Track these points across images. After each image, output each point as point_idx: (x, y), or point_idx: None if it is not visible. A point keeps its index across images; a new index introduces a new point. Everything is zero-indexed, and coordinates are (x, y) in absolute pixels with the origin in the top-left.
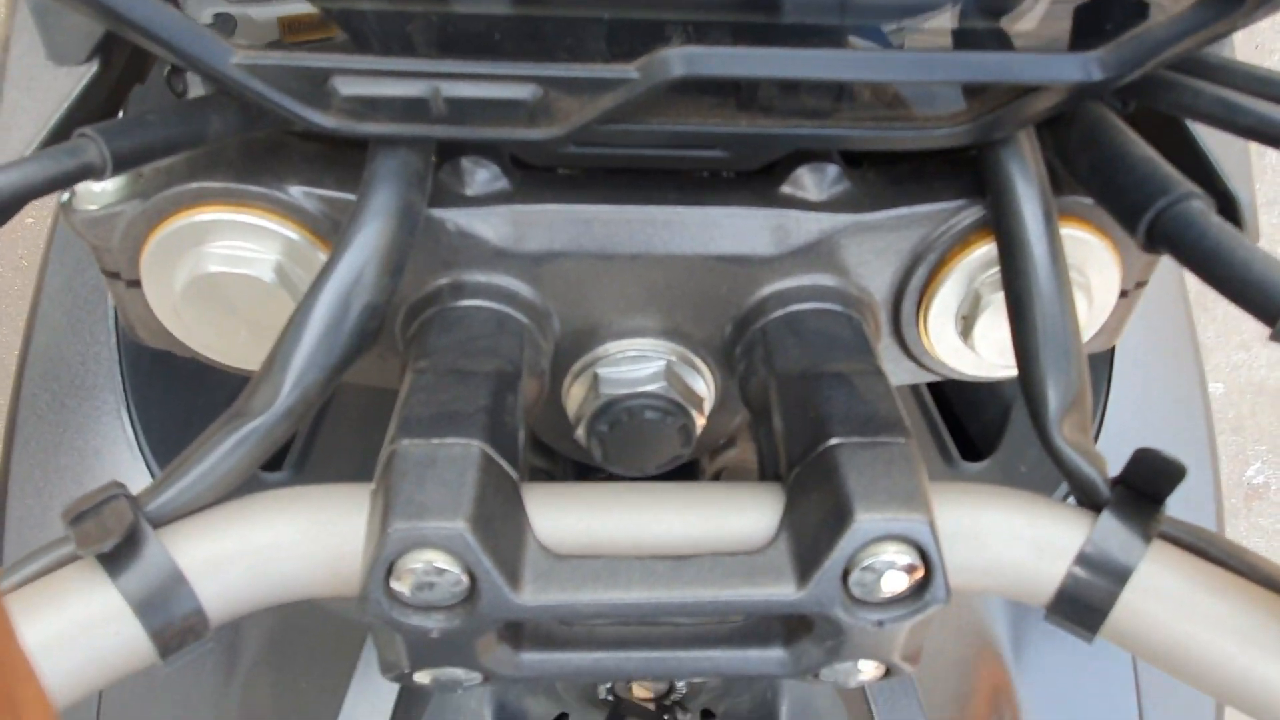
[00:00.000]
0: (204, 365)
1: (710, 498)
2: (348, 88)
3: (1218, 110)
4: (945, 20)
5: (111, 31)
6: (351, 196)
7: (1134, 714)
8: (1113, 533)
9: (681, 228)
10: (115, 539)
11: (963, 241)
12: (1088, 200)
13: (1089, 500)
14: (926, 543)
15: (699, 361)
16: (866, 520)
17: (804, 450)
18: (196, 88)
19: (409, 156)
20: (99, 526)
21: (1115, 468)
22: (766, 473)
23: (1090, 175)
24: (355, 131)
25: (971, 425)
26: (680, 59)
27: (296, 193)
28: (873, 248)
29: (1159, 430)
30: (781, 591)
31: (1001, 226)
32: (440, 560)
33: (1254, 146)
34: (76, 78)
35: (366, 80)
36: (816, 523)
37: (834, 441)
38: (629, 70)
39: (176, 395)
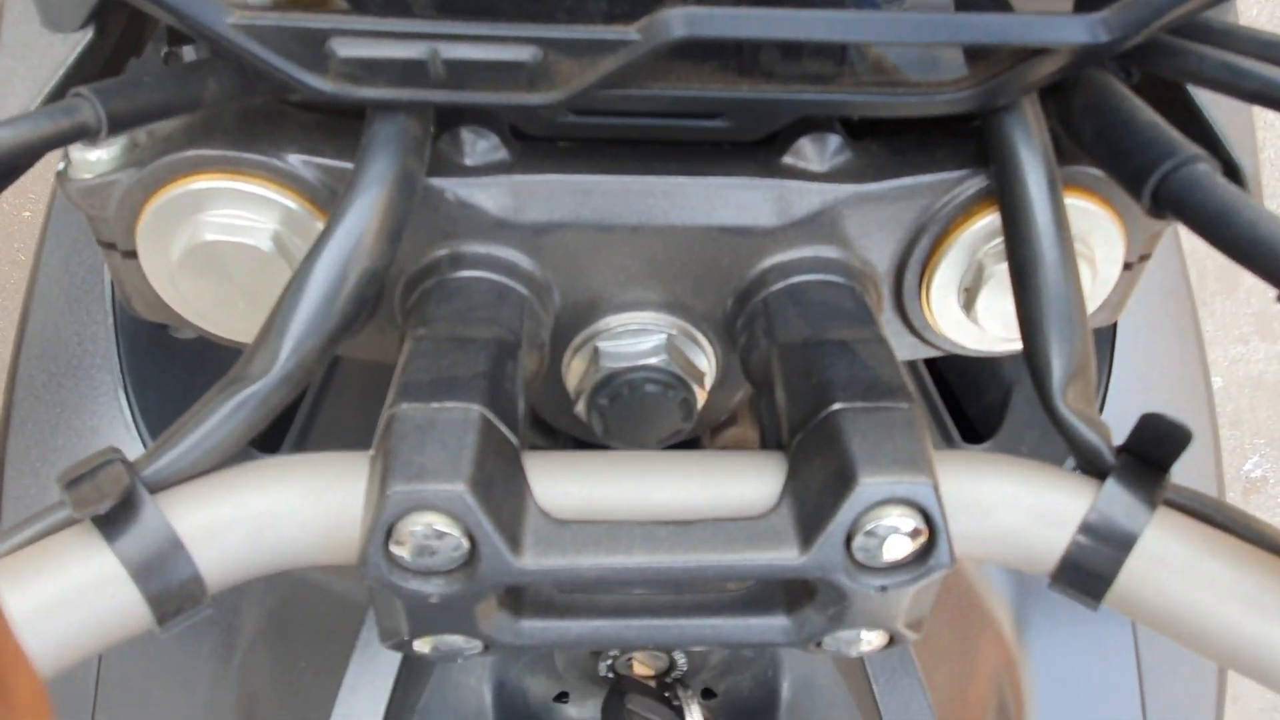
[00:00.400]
0: (201, 345)
1: (712, 465)
2: (346, 49)
3: (1223, 75)
4: None
5: None
6: (350, 165)
7: (1135, 693)
8: (1117, 499)
9: (682, 198)
10: (111, 501)
11: (966, 212)
12: (1093, 170)
13: (1093, 469)
14: (930, 506)
15: (700, 336)
16: (870, 483)
17: (806, 416)
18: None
19: (407, 123)
20: (95, 490)
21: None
22: (768, 444)
23: (1095, 142)
24: (353, 96)
25: (972, 408)
26: (681, 19)
27: (295, 161)
28: (875, 219)
29: (1161, 409)
30: (784, 556)
31: (1005, 194)
32: (440, 523)
33: (1257, 115)
34: (71, 45)
35: (365, 41)
36: (819, 487)
37: (836, 406)
38: (629, 32)
39: (174, 375)
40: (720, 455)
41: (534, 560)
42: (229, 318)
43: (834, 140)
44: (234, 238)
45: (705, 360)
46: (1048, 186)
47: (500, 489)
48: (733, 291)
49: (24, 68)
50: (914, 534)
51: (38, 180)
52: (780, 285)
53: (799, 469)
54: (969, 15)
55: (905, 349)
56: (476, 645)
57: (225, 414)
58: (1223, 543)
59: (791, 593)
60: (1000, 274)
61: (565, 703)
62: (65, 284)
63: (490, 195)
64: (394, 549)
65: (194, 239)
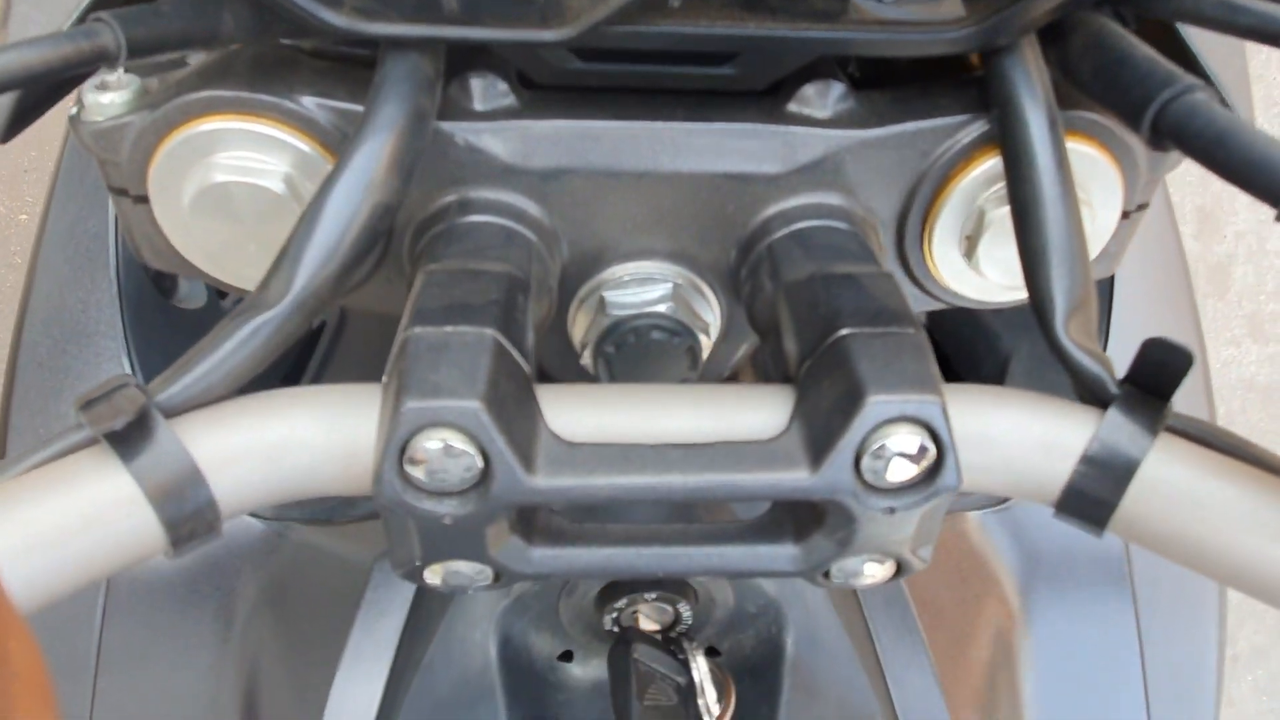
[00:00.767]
0: (205, 314)
1: (722, 395)
2: None
3: (1219, 12)
4: None
5: None
6: (362, 109)
7: (1137, 664)
8: (1120, 427)
9: (688, 145)
10: (127, 418)
11: (966, 158)
12: (1091, 115)
13: (1095, 399)
14: (938, 425)
15: (705, 286)
16: (878, 401)
17: (814, 344)
18: None
19: (420, 61)
20: (110, 409)
21: None
22: (776, 381)
23: (1094, 79)
24: (365, 31)
25: (969, 375)
26: None
27: (308, 103)
28: (878, 165)
29: None
30: (794, 477)
31: (1007, 133)
32: (454, 439)
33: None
34: None
35: None
36: (828, 409)
37: (844, 332)
38: None
39: (177, 342)
40: (729, 387)
41: (546, 480)
42: (239, 263)
43: (838, 87)
44: (246, 179)
45: (710, 311)
46: (1048, 125)
47: (513, 410)
48: (736, 241)
49: (39, 14)
50: (922, 454)
51: (36, 184)
52: (784, 231)
53: (807, 394)
54: None
55: None
56: (487, 575)
57: (239, 340)
58: (1225, 465)
59: (800, 520)
60: (1000, 220)
61: (570, 662)
62: (70, 251)
63: (499, 140)
64: (408, 468)
65: (206, 180)
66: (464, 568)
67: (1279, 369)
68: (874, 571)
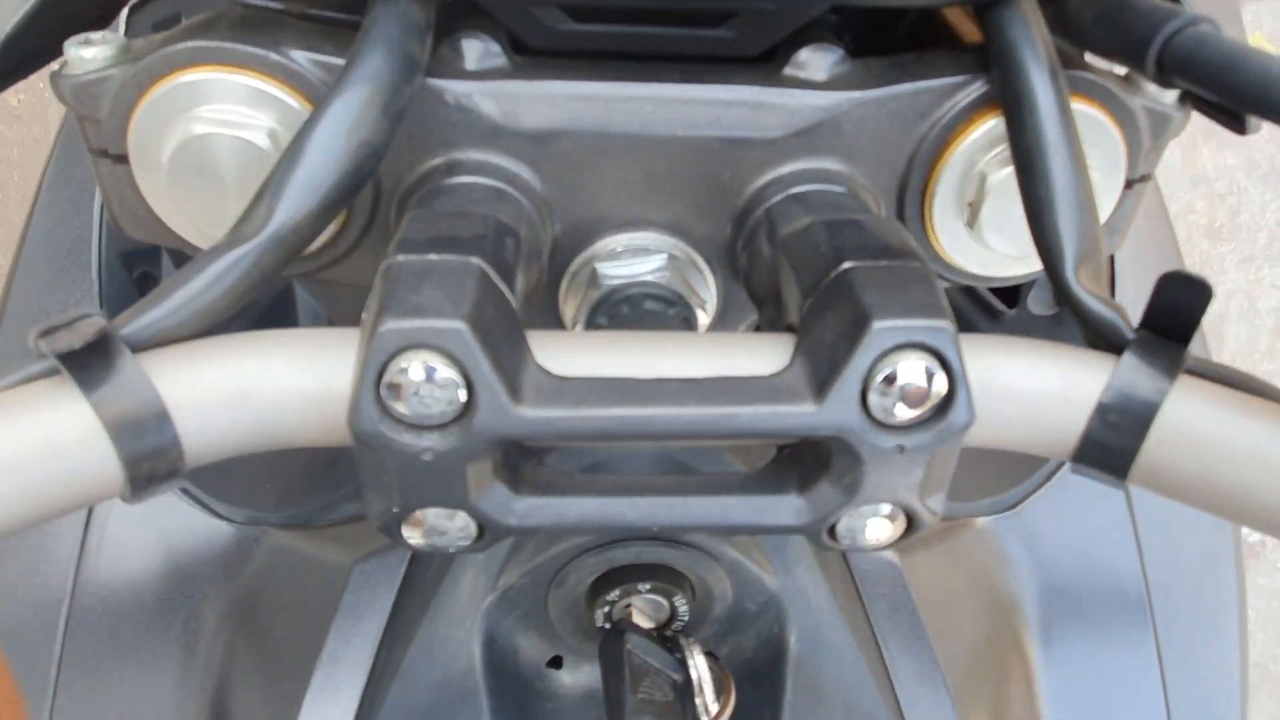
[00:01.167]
0: None
1: (720, 340)
2: None
3: None
4: None
5: None
6: None
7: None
8: (1136, 370)
9: (684, 107)
10: (85, 340)
11: (966, 119)
12: (1092, 76)
13: (1110, 347)
14: (948, 351)
15: (701, 261)
16: (884, 326)
17: (815, 283)
18: None
19: (410, 7)
20: (71, 335)
21: None
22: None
23: (1095, 26)
24: None
25: None
26: None
27: (297, 56)
28: (876, 128)
29: None
30: (797, 410)
31: (1006, 84)
32: (436, 362)
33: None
34: None
35: None
36: (831, 341)
37: (847, 265)
38: None
39: None
40: (728, 335)
41: (534, 410)
42: (219, 226)
43: (834, 52)
44: (229, 131)
45: (706, 288)
46: (1049, 73)
47: (500, 339)
48: (732, 214)
49: None
50: (932, 385)
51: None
52: (781, 196)
53: (810, 330)
54: None
55: None
56: (470, 530)
57: (212, 275)
58: (1249, 404)
59: (804, 470)
60: (1003, 184)
61: (559, 669)
62: (51, 254)
63: (490, 99)
64: (386, 398)
65: (187, 133)
66: (445, 522)
67: None
68: (883, 530)
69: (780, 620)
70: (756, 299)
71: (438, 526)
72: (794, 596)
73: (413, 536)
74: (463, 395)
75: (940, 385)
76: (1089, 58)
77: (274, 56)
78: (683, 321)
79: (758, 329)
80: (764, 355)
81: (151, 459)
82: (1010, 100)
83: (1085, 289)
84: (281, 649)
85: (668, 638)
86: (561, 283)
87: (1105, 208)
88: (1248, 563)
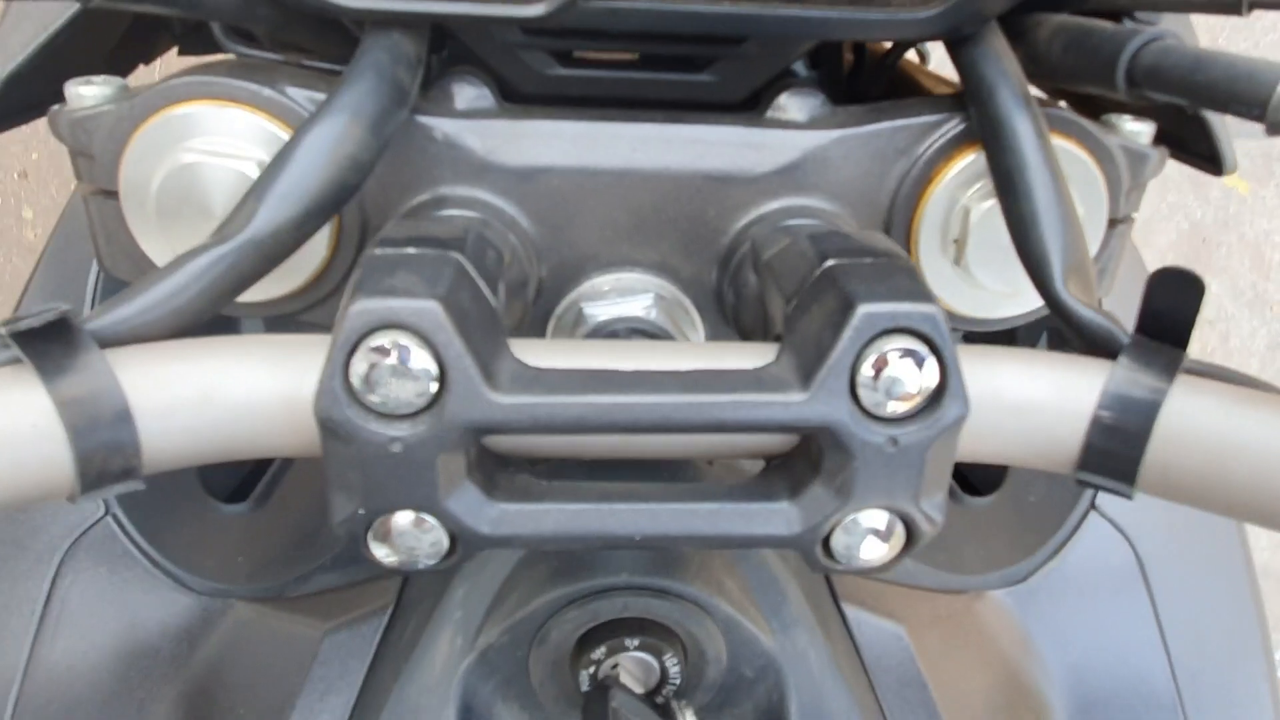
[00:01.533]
0: None
1: (705, 346)
2: None
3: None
4: None
5: None
6: None
7: None
8: (1134, 372)
9: (668, 144)
10: (47, 319)
11: (946, 155)
12: (1069, 114)
13: (1106, 354)
14: (937, 335)
15: (688, 302)
16: (870, 310)
17: (799, 285)
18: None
19: (401, 39)
20: (33, 320)
21: None
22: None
23: (1064, 54)
24: (349, 7)
25: (971, 470)
26: None
27: (292, 93)
28: (858, 166)
29: None
30: (784, 399)
31: (982, 114)
32: (408, 342)
33: None
34: None
35: None
36: (818, 329)
37: (831, 263)
38: None
39: None
40: (711, 344)
41: (509, 397)
42: None
43: (816, 97)
44: (218, 160)
45: (695, 330)
46: (1023, 100)
47: (476, 328)
48: (718, 255)
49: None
50: (922, 371)
51: None
52: (767, 230)
53: (795, 326)
54: None
55: None
56: (440, 542)
57: (187, 274)
58: (1252, 397)
59: (794, 476)
60: (987, 217)
61: None
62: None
63: (477, 136)
64: (355, 383)
65: (177, 162)
66: (415, 532)
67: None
68: (881, 541)
69: (780, 689)
70: (744, 334)
71: (406, 534)
72: (794, 663)
73: (380, 550)
74: (434, 387)
75: (931, 374)
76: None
77: (267, 92)
78: None
79: None
80: (750, 356)
81: (107, 455)
82: (987, 127)
83: (1076, 298)
84: None
85: (658, 704)
86: (548, 325)
87: (1091, 246)
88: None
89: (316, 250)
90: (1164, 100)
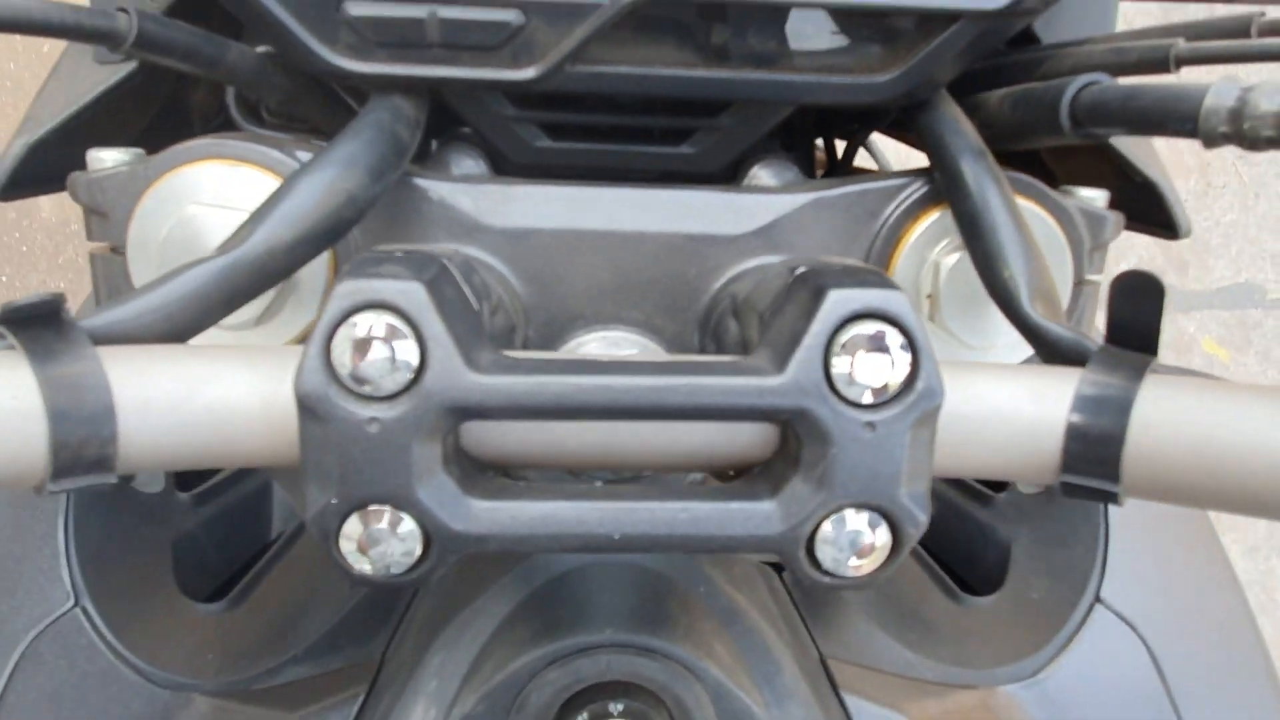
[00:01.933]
0: (159, 498)
1: (681, 356)
2: (357, 9)
3: (1109, 58)
4: None
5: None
6: None
7: None
8: (1104, 374)
9: (650, 208)
10: (38, 303)
11: (914, 215)
12: (1026, 177)
13: (1077, 364)
14: (906, 318)
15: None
16: (841, 294)
17: (774, 298)
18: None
19: (403, 102)
20: (26, 303)
21: None
22: None
23: (1014, 113)
24: (355, 71)
25: (971, 574)
26: None
27: (299, 154)
28: (830, 228)
29: None
30: (760, 381)
31: (944, 169)
32: (390, 321)
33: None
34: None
35: (375, 4)
36: (791, 322)
37: (803, 269)
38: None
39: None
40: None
41: (489, 378)
42: None
43: (790, 169)
44: (224, 213)
45: None
46: (978, 152)
47: (458, 316)
48: (699, 314)
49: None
50: (894, 353)
51: None
52: (745, 286)
53: (771, 325)
54: None
55: None
56: (414, 543)
57: (181, 283)
58: (1221, 387)
59: (775, 476)
60: (957, 268)
61: None
62: None
63: (469, 198)
64: (336, 361)
65: (185, 213)
66: (387, 532)
67: None
68: (865, 544)
69: None
70: None
71: (378, 535)
72: None
73: (349, 550)
74: (414, 368)
75: (903, 358)
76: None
77: (275, 153)
78: None
79: None
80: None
81: (82, 445)
82: (948, 179)
83: (1044, 318)
84: None
85: None
86: None
87: (1061, 304)
88: None
89: (316, 299)
90: (1108, 134)
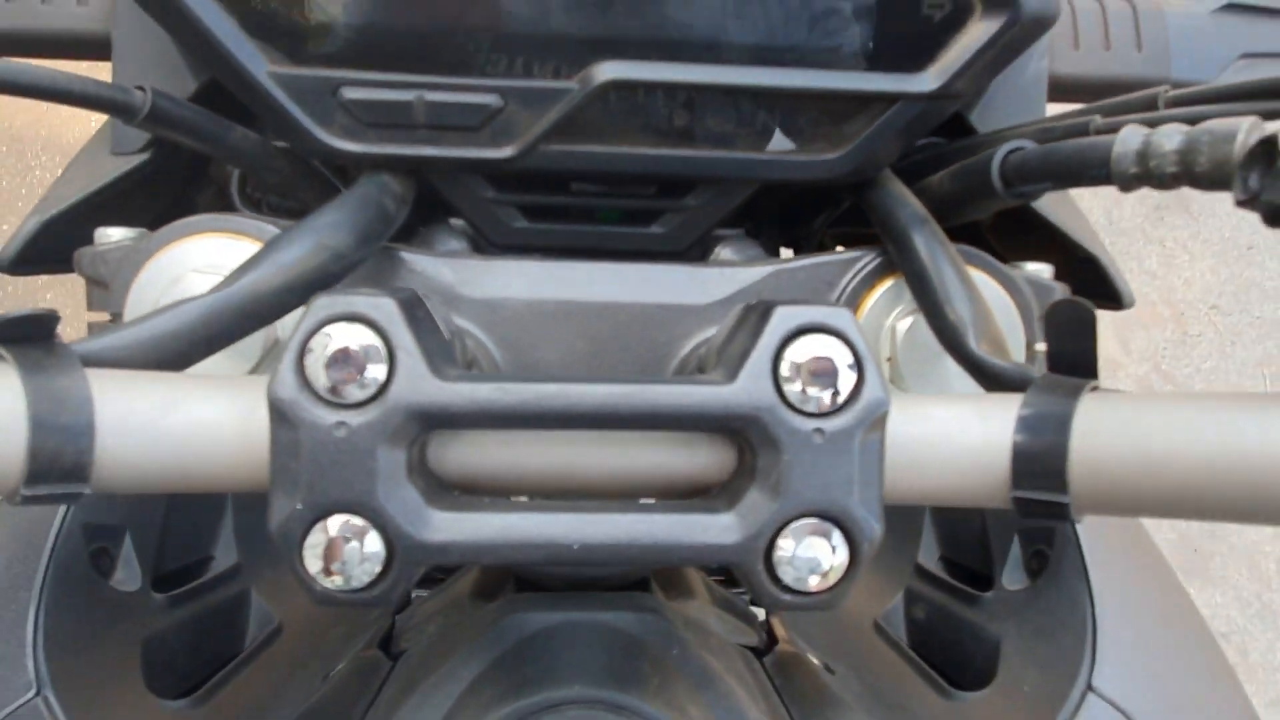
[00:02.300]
0: (135, 596)
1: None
2: (352, 93)
3: (1037, 136)
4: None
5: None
6: None
7: None
8: (1046, 394)
9: (620, 280)
10: (30, 313)
11: (870, 285)
12: (972, 249)
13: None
14: (850, 331)
15: None
16: (787, 312)
17: (728, 333)
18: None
19: (390, 180)
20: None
21: None
22: None
23: (953, 185)
24: (347, 151)
25: (961, 675)
26: (608, 69)
27: None
28: (790, 297)
29: None
30: (712, 389)
31: (892, 236)
32: (361, 333)
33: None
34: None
35: (367, 89)
36: (741, 341)
37: (754, 300)
38: (570, 83)
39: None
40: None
41: (452, 384)
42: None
43: (754, 247)
44: (221, 276)
45: None
46: (921, 218)
47: (427, 333)
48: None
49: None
50: (839, 365)
51: None
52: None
53: (724, 350)
54: (832, 73)
55: None
56: (377, 554)
57: (170, 317)
58: (1159, 397)
59: (732, 491)
60: (911, 327)
61: None
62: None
63: (451, 270)
64: (309, 371)
65: (180, 282)
66: (351, 543)
67: None
68: (823, 555)
69: None
70: None
71: (341, 543)
72: None
73: (313, 563)
74: (382, 375)
75: (848, 369)
76: None
77: (272, 229)
78: None
79: None
80: None
81: (59, 457)
82: (897, 245)
83: (989, 355)
84: None
85: None
86: None
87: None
88: None
89: None
90: (1037, 190)
